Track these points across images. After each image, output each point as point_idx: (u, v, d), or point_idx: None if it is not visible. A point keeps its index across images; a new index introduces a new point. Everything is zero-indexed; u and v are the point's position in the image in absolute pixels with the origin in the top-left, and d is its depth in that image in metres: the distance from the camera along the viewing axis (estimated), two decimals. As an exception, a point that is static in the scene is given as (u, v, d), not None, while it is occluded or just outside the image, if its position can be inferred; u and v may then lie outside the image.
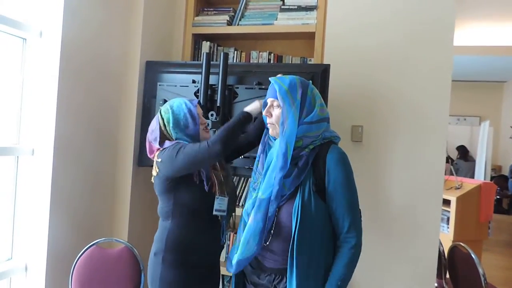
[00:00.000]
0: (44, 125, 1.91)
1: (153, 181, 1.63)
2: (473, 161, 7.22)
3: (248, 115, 1.61)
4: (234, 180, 2.49)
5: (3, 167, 1.90)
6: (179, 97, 1.69)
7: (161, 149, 1.58)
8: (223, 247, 1.69)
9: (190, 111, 1.59)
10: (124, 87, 2.34)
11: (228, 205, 1.60)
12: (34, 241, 1.93)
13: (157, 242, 1.59)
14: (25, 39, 1.93)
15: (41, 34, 1.93)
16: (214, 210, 1.57)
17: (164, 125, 1.60)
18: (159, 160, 1.55)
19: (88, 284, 1.90)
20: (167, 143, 1.57)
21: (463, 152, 7.73)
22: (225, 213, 1.59)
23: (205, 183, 1.56)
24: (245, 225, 1.46)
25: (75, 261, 1.91)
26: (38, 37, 1.93)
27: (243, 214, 1.49)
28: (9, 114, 1.91)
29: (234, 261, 1.45)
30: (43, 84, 1.92)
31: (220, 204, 1.58)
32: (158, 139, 1.59)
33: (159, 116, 1.62)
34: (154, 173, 1.60)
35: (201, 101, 2.06)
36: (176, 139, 1.59)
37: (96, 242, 1.97)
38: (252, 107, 1.65)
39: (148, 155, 1.68)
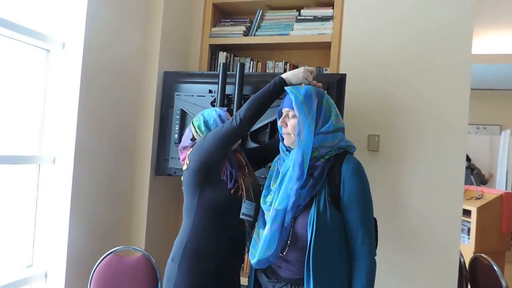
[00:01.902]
0: (65, 135, 1.96)
1: (182, 179, 1.61)
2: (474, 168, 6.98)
3: (281, 83, 1.49)
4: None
5: (25, 175, 1.95)
6: (212, 108, 1.70)
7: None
8: (244, 259, 1.63)
9: (220, 116, 1.62)
10: (143, 97, 2.38)
11: (254, 211, 1.55)
12: (54, 248, 1.97)
13: (176, 247, 1.56)
14: (49, 51, 1.99)
15: (64, 46, 1.99)
16: (241, 214, 1.52)
17: (196, 131, 1.63)
18: (190, 150, 1.58)
19: (106, 291, 1.92)
20: None
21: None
22: (251, 219, 1.55)
23: (228, 180, 1.52)
24: (263, 220, 1.46)
25: (94, 268, 1.93)
26: (61, 49, 1.99)
27: (261, 206, 1.50)
28: (32, 123, 1.97)
29: (253, 261, 1.45)
30: (65, 94, 1.97)
31: (247, 208, 1.53)
32: (190, 139, 1.64)
33: (191, 125, 1.66)
34: (184, 167, 1.59)
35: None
36: None
37: (114, 250, 2.00)
38: (291, 73, 1.51)
39: (181, 162, 1.68)
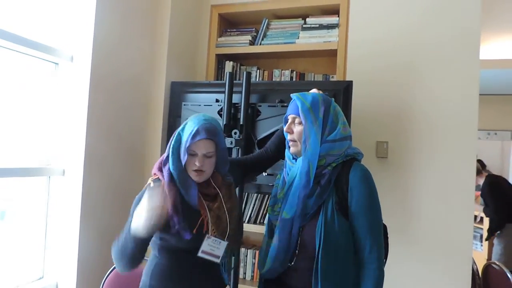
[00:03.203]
0: (74, 146, 1.98)
1: None
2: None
3: (134, 238, 1.23)
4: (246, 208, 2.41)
5: (35, 188, 1.97)
6: (200, 116, 1.39)
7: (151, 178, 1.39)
8: (225, 286, 1.45)
9: (192, 136, 1.30)
10: (151, 107, 2.40)
11: (226, 251, 1.33)
12: (65, 260, 1.98)
13: (144, 274, 1.40)
14: (57, 64, 2.02)
15: (72, 59, 2.02)
16: (200, 251, 1.28)
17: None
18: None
19: (116, 302, 1.92)
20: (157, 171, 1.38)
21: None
22: (218, 260, 1.31)
23: (182, 231, 1.27)
24: (271, 230, 1.44)
25: (104, 278, 1.93)
26: (69, 62, 2.01)
27: (268, 215, 1.48)
28: (41, 136, 1.99)
29: (262, 271, 1.44)
30: (74, 106, 1.99)
31: (212, 246, 1.29)
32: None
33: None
34: None
35: (224, 120, 2.08)
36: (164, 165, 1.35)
37: (123, 261, 1.99)
38: (137, 222, 1.22)
39: None
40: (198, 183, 1.35)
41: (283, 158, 1.53)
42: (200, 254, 1.29)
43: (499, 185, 3.79)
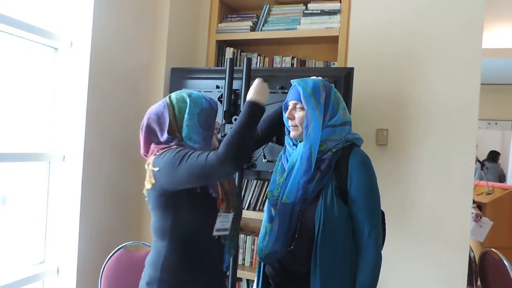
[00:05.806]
0: (74, 132, 1.98)
1: (145, 193, 1.34)
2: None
3: (252, 106, 1.25)
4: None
5: (36, 173, 1.98)
6: (191, 92, 1.38)
7: (157, 153, 1.30)
8: (226, 273, 1.44)
9: (202, 109, 1.32)
10: (151, 93, 2.39)
11: (232, 222, 1.35)
12: (65, 244, 2.00)
13: (150, 267, 1.33)
14: (57, 49, 2.01)
15: (72, 44, 2.01)
16: (214, 230, 1.29)
17: (174, 114, 1.32)
18: (156, 169, 1.26)
19: (117, 286, 1.94)
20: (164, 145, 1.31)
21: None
22: (227, 232, 1.33)
23: (216, 198, 1.30)
24: (270, 214, 1.44)
25: (104, 264, 1.95)
26: (68, 47, 2.00)
27: (268, 200, 1.48)
28: (41, 121, 1.98)
29: (261, 255, 1.45)
30: (74, 91, 1.99)
31: (223, 222, 1.31)
32: (166, 130, 1.31)
33: (168, 103, 1.34)
34: (148, 185, 1.30)
35: (225, 106, 2.08)
36: (184, 138, 1.30)
37: (123, 246, 2.01)
38: (254, 93, 1.28)
39: (142, 152, 1.41)
40: None
41: (273, 140, 1.51)
42: (215, 233, 1.30)
43: None
